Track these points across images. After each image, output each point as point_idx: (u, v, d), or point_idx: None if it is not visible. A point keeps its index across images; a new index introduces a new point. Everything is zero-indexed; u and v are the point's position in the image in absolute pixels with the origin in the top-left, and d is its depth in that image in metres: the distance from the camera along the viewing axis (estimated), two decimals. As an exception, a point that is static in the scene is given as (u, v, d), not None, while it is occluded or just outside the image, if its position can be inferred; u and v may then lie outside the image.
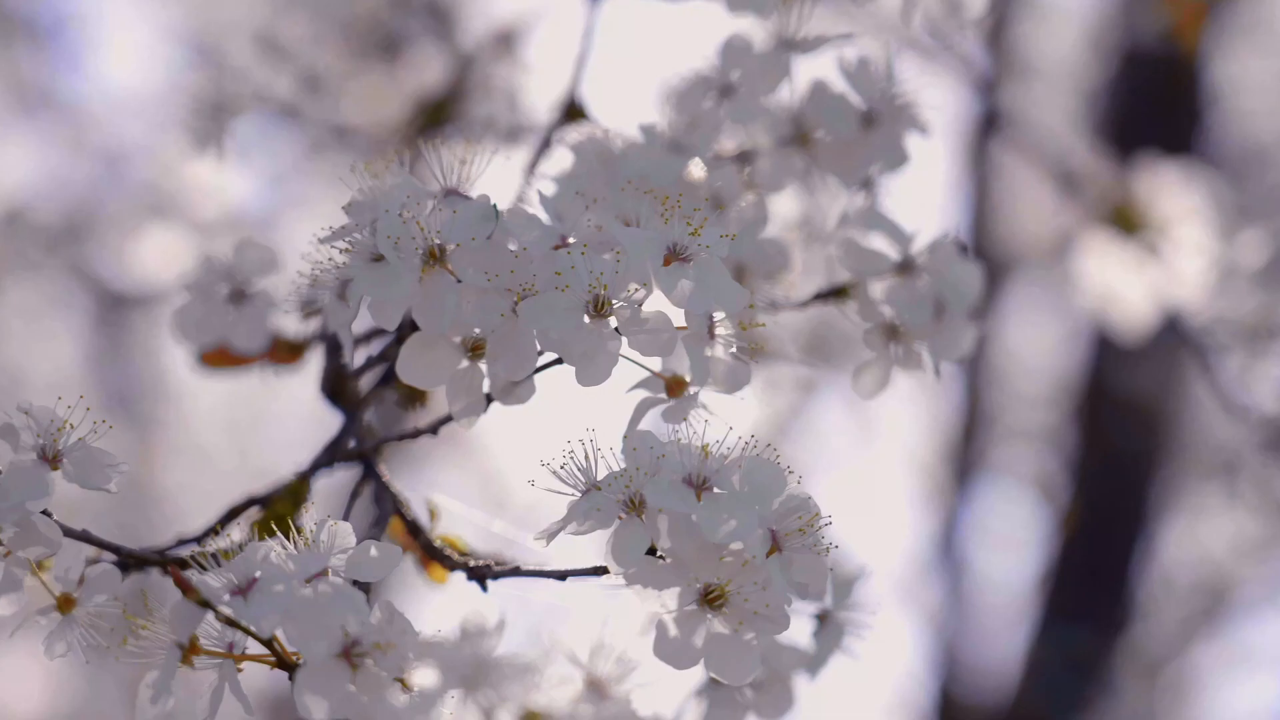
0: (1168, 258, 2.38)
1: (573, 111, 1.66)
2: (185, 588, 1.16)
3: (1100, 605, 4.35)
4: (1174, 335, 2.39)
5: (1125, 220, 2.36)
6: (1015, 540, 5.14)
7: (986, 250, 4.67)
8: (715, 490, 1.20)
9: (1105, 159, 2.74)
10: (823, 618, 1.37)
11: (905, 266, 1.45)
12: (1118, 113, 4.32)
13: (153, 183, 3.34)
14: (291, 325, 1.50)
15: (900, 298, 1.44)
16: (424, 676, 1.10)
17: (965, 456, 5.09)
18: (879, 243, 1.45)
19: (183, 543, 1.36)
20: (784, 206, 1.55)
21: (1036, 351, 5.13)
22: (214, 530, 1.39)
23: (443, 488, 5.34)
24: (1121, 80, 4.34)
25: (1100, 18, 4.59)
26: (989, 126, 4.17)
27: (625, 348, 1.23)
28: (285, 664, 1.17)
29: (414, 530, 1.36)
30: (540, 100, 2.06)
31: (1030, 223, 4.34)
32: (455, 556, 1.34)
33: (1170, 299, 2.39)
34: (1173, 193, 2.45)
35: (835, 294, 1.48)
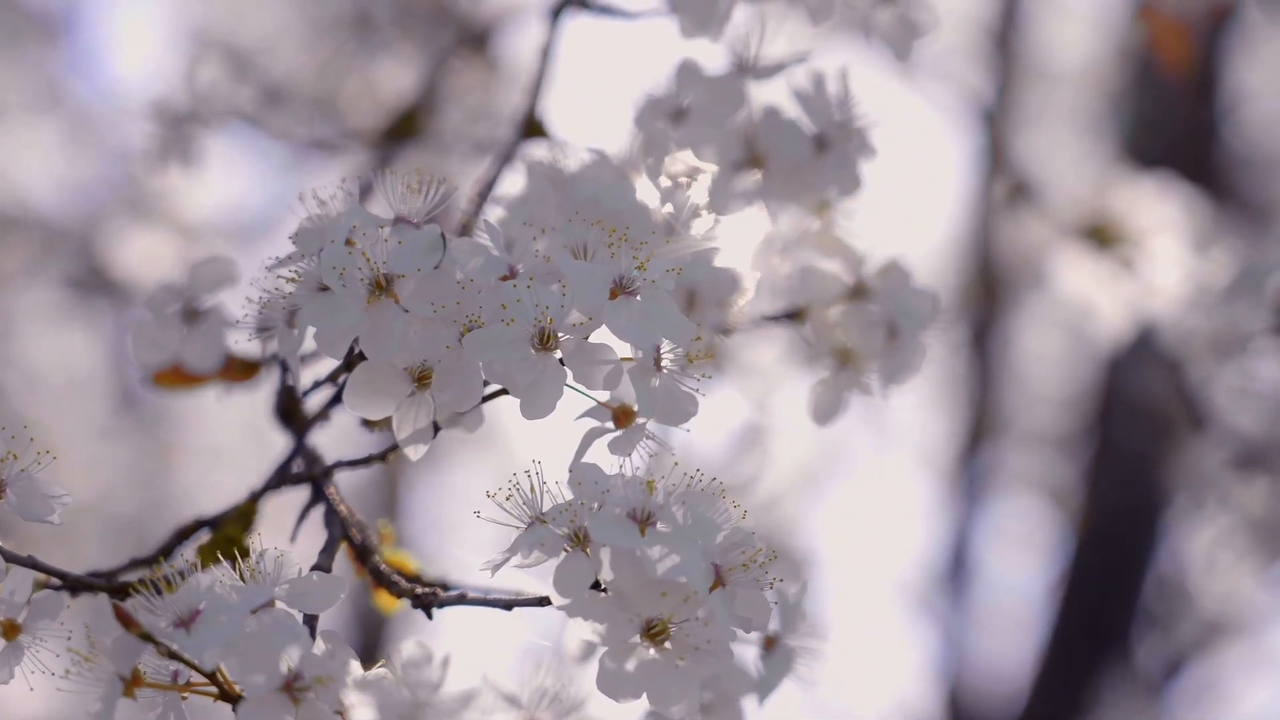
0: (1143, 271, 2.38)
1: (532, 129, 1.66)
2: (127, 621, 1.16)
3: (1114, 610, 4.34)
4: (1151, 348, 2.39)
5: (1101, 234, 2.36)
6: (1028, 546, 5.13)
7: (999, 256, 4.65)
8: (659, 525, 1.20)
9: (1105, 171, 2.74)
10: (769, 642, 1.36)
11: (858, 290, 1.45)
12: (1132, 123, 4.30)
13: (168, 183, 3.34)
14: (246, 343, 1.49)
15: (853, 322, 1.44)
16: (362, 715, 1.10)
17: (978, 462, 5.08)
18: (832, 266, 1.45)
19: (135, 564, 1.37)
20: (742, 226, 1.53)
21: (1051, 357, 5.12)
22: (164, 552, 1.39)
23: (463, 487, 5.35)
24: (1135, 89, 4.32)
25: (1118, 25, 4.57)
26: (991, 134, 4.16)
27: (572, 379, 1.23)
28: (228, 696, 1.17)
29: (362, 555, 1.36)
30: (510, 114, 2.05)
31: (1038, 231, 4.33)
32: (402, 583, 1.34)
33: (1146, 312, 2.38)
34: (1150, 205, 2.45)
35: (789, 317, 1.48)
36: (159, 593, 1.18)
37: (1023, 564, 5.15)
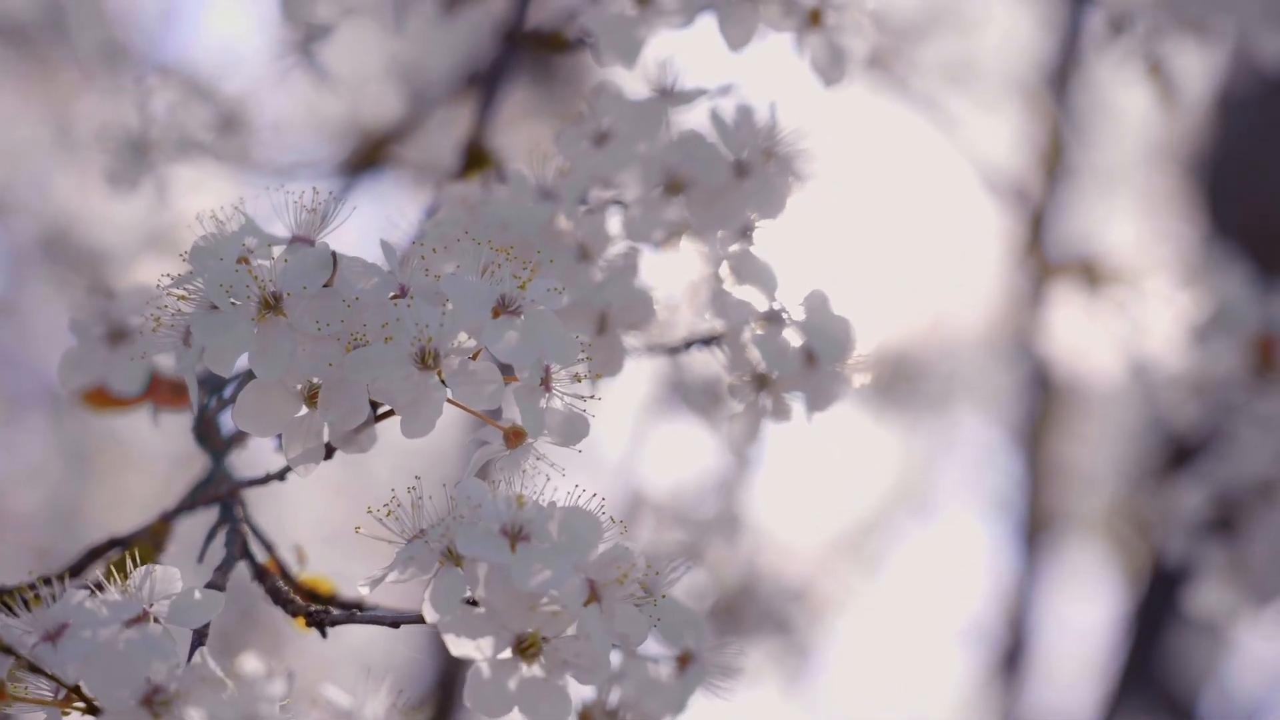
0: (1135, 312, 2.35)
1: (477, 156, 1.65)
2: (-16, 633, 1.16)
3: (1179, 658, 4.28)
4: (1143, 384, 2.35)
5: (1094, 274, 2.34)
6: (1092, 593, 5.08)
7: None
8: (533, 540, 1.19)
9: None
10: (683, 659, 1.34)
11: (774, 316, 1.44)
12: (1208, 190, 4.24)
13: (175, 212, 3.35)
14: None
15: (768, 347, 1.42)
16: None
17: (1043, 508, 5.04)
18: (749, 292, 1.43)
19: (45, 582, 1.37)
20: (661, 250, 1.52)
21: (1113, 397, 5.07)
22: (76, 570, 1.39)
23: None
24: (1212, 154, 4.26)
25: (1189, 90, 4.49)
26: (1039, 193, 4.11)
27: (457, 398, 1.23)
28: (95, 710, 1.17)
29: (260, 575, 1.35)
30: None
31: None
32: (298, 602, 1.33)
33: (1138, 353, 2.35)
34: (1144, 247, 2.42)
35: (705, 342, 1.46)
36: (28, 608, 1.18)
37: (1087, 608, 5.09)
